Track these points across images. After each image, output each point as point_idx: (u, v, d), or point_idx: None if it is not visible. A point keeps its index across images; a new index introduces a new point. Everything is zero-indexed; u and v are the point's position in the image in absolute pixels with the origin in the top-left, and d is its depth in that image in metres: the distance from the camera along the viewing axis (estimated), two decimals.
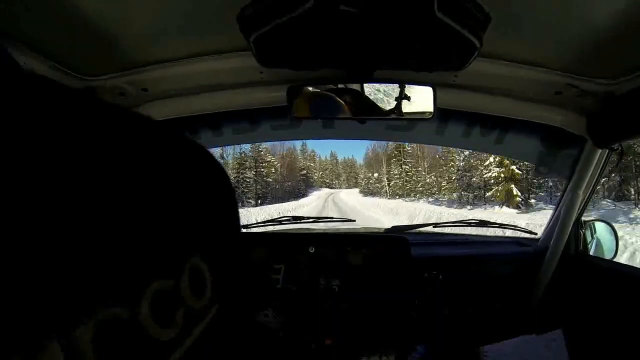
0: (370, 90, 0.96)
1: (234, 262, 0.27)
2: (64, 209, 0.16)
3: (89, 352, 0.15)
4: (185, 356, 0.20)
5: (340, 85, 0.97)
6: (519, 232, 1.51)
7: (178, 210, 0.22)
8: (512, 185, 18.30)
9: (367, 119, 1.01)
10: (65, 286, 0.15)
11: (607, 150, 1.08)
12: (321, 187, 63.72)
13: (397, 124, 1.31)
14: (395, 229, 1.53)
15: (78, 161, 0.17)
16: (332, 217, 1.67)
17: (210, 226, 0.25)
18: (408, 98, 0.95)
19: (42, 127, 0.16)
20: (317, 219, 1.64)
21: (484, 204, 20.21)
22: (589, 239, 1.30)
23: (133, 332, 0.18)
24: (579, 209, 1.21)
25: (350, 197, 38.85)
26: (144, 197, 0.20)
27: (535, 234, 1.48)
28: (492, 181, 19.45)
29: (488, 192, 19.84)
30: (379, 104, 0.96)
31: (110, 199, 0.18)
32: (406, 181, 33.97)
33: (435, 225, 1.55)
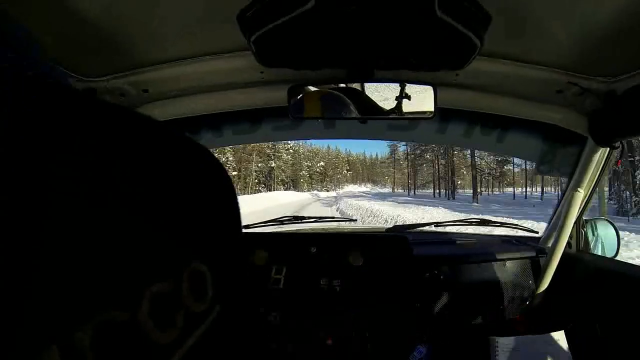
0: (371, 89, 0.96)
1: (236, 263, 0.27)
2: (63, 210, 0.15)
3: (88, 355, 0.15)
4: (185, 359, 0.20)
5: (341, 85, 0.96)
6: (520, 231, 1.51)
7: (178, 212, 0.22)
8: None
9: (368, 118, 1.00)
10: (63, 289, 0.15)
11: (608, 149, 1.08)
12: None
13: (398, 124, 1.31)
14: (396, 228, 1.53)
15: (78, 162, 0.17)
16: (333, 217, 1.67)
17: (211, 228, 0.25)
18: (409, 97, 0.95)
19: (43, 128, 0.16)
20: (318, 219, 1.64)
21: None
22: (590, 237, 1.30)
23: (132, 335, 0.18)
24: (580, 207, 1.21)
25: None
26: (145, 198, 0.19)
27: (537, 232, 1.48)
28: None
29: None
30: (380, 104, 0.96)
31: (110, 200, 0.17)
32: None
33: (437, 224, 1.55)
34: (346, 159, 77.75)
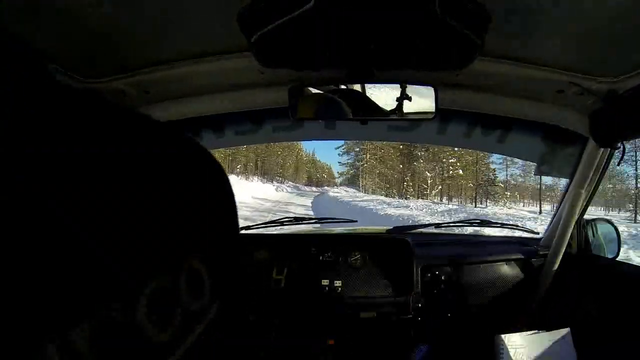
0: (372, 90, 0.96)
1: (233, 263, 0.27)
2: (62, 207, 0.15)
3: (85, 353, 0.15)
4: (183, 358, 0.20)
5: (341, 86, 0.96)
6: (521, 232, 1.51)
7: (176, 211, 0.22)
8: None
9: (369, 119, 1.00)
10: (61, 287, 0.15)
11: (609, 149, 1.08)
12: None
13: (399, 125, 1.31)
14: (397, 229, 1.53)
15: (79, 161, 0.17)
16: (333, 218, 1.67)
17: (208, 227, 0.25)
18: (410, 98, 0.95)
19: (44, 129, 0.16)
20: (319, 220, 1.64)
21: None
22: (591, 238, 1.30)
23: (130, 334, 0.18)
24: (580, 208, 1.21)
25: None
26: (143, 196, 0.19)
27: (537, 233, 1.48)
28: None
29: None
30: (381, 105, 0.96)
31: (108, 198, 0.17)
32: None
33: (437, 225, 1.55)
34: None
